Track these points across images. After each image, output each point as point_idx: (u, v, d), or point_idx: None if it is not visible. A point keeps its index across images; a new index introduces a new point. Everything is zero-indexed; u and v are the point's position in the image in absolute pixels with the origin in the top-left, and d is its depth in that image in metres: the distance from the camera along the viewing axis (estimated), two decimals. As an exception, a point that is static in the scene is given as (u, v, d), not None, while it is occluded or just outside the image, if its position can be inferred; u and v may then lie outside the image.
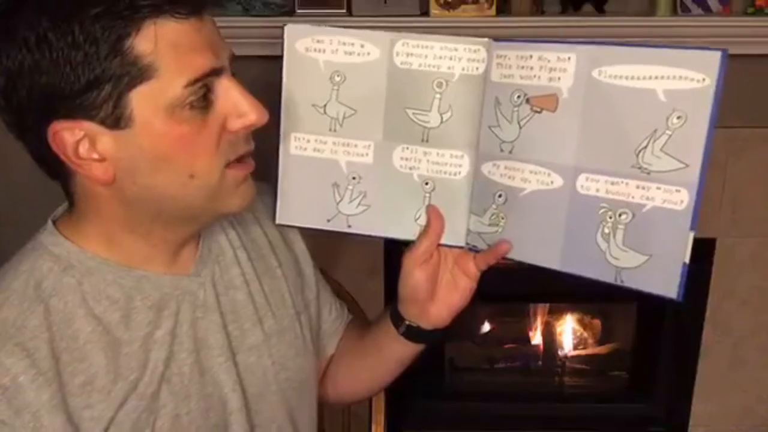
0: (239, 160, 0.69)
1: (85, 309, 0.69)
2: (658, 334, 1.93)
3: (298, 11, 1.55)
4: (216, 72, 0.65)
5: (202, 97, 0.64)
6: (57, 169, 0.67)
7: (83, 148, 0.63)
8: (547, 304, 2.07)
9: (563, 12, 1.61)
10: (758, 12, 1.54)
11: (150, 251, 0.73)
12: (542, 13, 1.62)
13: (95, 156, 0.64)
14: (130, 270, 0.72)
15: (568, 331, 2.10)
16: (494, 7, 1.53)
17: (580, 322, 2.11)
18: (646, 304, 1.92)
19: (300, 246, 0.91)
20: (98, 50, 0.59)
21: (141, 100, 0.62)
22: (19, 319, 0.66)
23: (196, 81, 0.63)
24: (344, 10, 1.56)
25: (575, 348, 2.11)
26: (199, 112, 0.64)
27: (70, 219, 0.73)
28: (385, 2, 1.54)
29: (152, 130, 0.63)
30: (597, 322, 2.10)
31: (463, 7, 1.53)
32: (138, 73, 0.61)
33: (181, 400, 0.74)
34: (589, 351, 2.10)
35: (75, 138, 0.63)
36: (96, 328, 0.69)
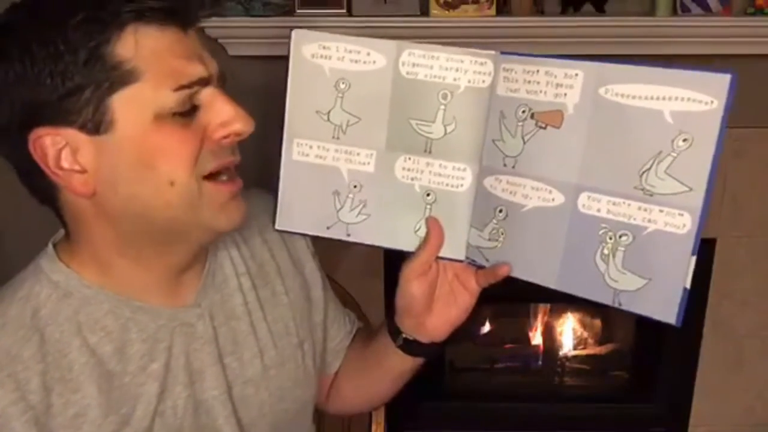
0: (220, 173, 0.68)
1: (80, 339, 0.68)
2: (658, 334, 1.93)
3: (298, 11, 1.55)
4: (204, 81, 0.65)
5: (188, 109, 0.64)
6: (42, 186, 0.66)
7: (65, 159, 0.63)
8: (547, 304, 2.08)
9: (563, 12, 1.61)
10: (758, 12, 1.54)
11: (147, 279, 0.72)
12: (542, 13, 1.62)
13: (77, 167, 0.63)
14: (128, 301, 0.71)
15: (568, 331, 2.10)
16: (494, 7, 1.53)
17: (580, 322, 2.11)
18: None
19: (310, 267, 0.90)
20: (77, 57, 0.59)
21: (123, 105, 0.62)
22: (13, 348, 0.66)
23: (184, 87, 0.63)
24: (344, 10, 1.56)
25: (575, 348, 2.11)
26: (182, 118, 0.64)
27: (68, 244, 0.72)
28: (385, 2, 1.53)
29: (134, 134, 0.62)
30: (597, 322, 2.10)
31: (463, 7, 1.53)
32: (119, 78, 0.61)
33: None
34: (589, 351, 2.10)
35: (57, 147, 0.62)
36: (90, 359, 0.68)
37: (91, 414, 0.68)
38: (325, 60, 0.76)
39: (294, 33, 0.77)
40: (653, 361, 1.97)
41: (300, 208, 0.81)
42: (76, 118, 0.61)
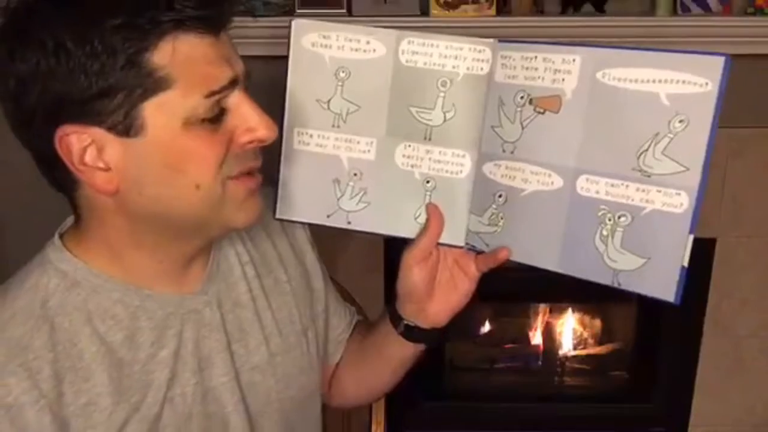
0: (243, 173, 0.69)
1: (90, 328, 0.69)
2: (658, 334, 1.93)
3: (298, 11, 1.55)
4: (233, 83, 0.64)
5: (216, 114, 0.64)
6: (61, 177, 0.66)
7: (90, 156, 0.63)
8: (547, 304, 2.07)
9: (563, 12, 1.61)
10: (758, 12, 1.54)
11: (157, 268, 0.72)
12: (542, 13, 1.62)
13: (101, 165, 0.63)
14: (137, 289, 0.71)
15: (568, 331, 2.10)
16: (494, 7, 1.53)
17: (580, 322, 2.11)
18: (646, 304, 1.92)
19: (311, 258, 0.91)
20: (115, 61, 0.59)
21: (154, 111, 0.62)
22: (24, 338, 0.66)
23: (215, 93, 0.63)
24: (344, 10, 1.56)
25: (575, 348, 2.11)
26: (210, 124, 0.64)
27: (77, 233, 0.72)
28: (385, 2, 1.54)
29: (163, 140, 0.63)
30: (597, 322, 2.10)
31: (463, 7, 1.53)
32: (152, 85, 0.61)
33: (184, 421, 0.74)
34: (589, 351, 2.10)
35: (82, 144, 0.62)
36: (100, 348, 0.69)
37: (102, 402, 0.68)
38: (325, 49, 0.77)
39: (294, 23, 0.78)
40: (653, 361, 1.96)
41: (300, 196, 0.81)
42: (106, 119, 0.61)
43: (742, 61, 1.51)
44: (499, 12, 1.56)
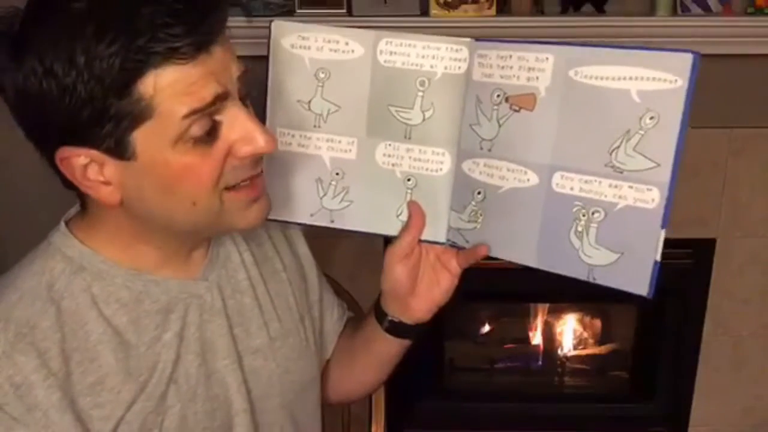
0: (242, 182, 0.69)
1: (96, 311, 0.70)
2: (658, 334, 1.93)
3: (298, 11, 1.56)
4: (220, 98, 0.63)
5: (207, 131, 0.63)
6: (69, 181, 0.67)
7: (92, 171, 0.64)
8: (547, 304, 2.07)
9: (563, 12, 1.62)
10: (758, 12, 1.54)
11: (161, 258, 0.74)
12: (542, 13, 1.62)
13: (102, 179, 0.65)
14: (140, 274, 0.73)
15: (568, 331, 2.10)
16: (494, 7, 1.53)
17: (580, 322, 2.11)
18: (646, 304, 1.92)
19: (304, 250, 0.92)
20: (103, 89, 0.59)
21: (144, 139, 0.62)
22: (32, 319, 0.68)
23: (197, 111, 0.62)
24: (344, 10, 1.56)
25: (575, 348, 2.11)
26: (203, 143, 0.64)
27: (83, 221, 0.73)
28: (385, 2, 1.54)
29: (156, 163, 0.63)
30: (597, 322, 2.10)
31: (463, 7, 1.53)
32: (138, 113, 0.61)
33: (188, 401, 0.75)
34: (589, 351, 2.10)
35: (82, 163, 0.64)
36: (106, 329, 0.70)
37: (110, 382, 0.70)
38: (304, 50, 0.78)
39: (273, 25, 0.78)
40: (653, 361, 1.96)
41: (284, 196, 0.82)
42: (100, 143, 0.62)
43: (742, 61, 1.52)
44: (499, 12, 1.56)
